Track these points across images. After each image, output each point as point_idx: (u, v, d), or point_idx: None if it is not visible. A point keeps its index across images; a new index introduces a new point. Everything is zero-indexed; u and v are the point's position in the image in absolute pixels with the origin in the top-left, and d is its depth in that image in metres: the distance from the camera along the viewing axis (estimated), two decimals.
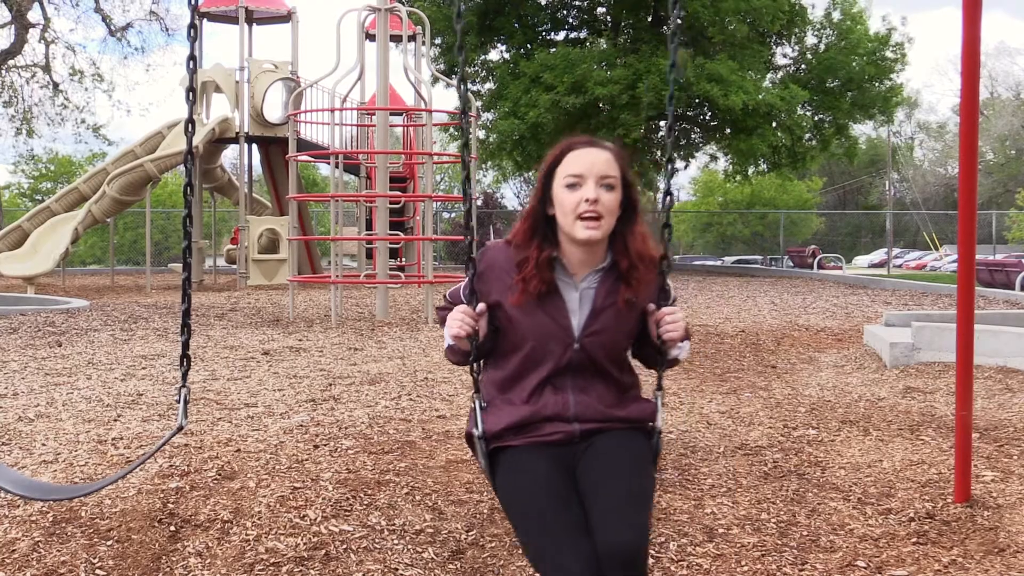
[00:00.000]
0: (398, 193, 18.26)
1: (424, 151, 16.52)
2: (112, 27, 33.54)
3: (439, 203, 31.07)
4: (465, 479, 4.84)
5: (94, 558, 3.85)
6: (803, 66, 29.46)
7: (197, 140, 19.43)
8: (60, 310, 14.11)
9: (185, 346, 3.45)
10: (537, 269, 2.85)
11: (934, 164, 73.96)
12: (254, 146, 23.27)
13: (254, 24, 23.58)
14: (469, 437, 3.00)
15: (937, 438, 5.76)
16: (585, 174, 2.82)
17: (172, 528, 4.13)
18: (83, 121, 34.42)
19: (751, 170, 31.55)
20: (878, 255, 52.07)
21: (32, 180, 58.31)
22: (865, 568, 3.85)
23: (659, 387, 3.06)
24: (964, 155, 4.46)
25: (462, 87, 3.13)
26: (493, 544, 4.05)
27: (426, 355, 9.37)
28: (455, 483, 4.78)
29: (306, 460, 5.14)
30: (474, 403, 2.94)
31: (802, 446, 5.60)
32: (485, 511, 4.40)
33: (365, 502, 4.48)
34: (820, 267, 31.57)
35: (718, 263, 45.21)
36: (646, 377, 3.12)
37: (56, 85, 33.74)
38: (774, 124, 27.31)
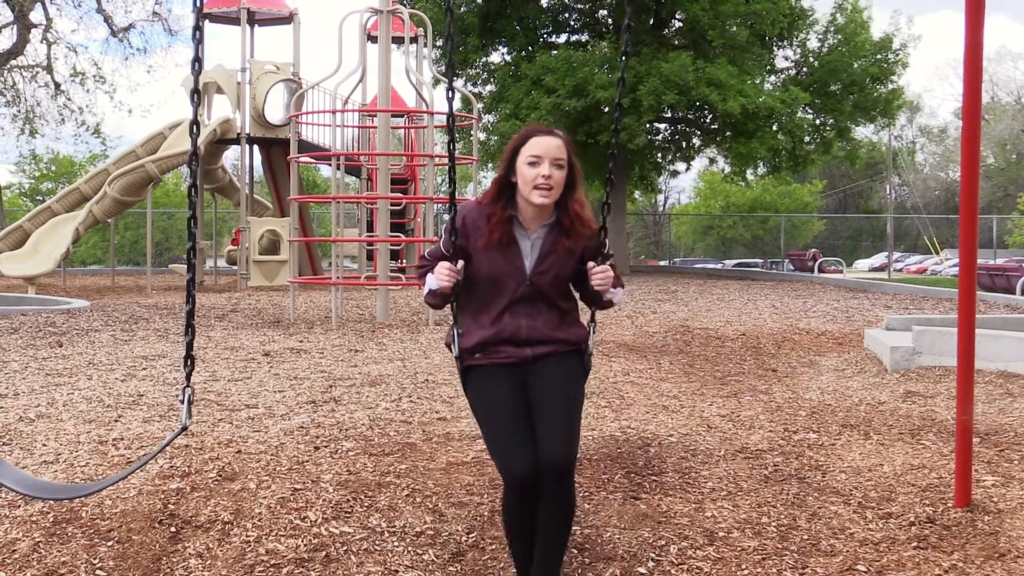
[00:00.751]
0: (399, 195, 18.26)
1: (425, 153, 16.52)
2: (114, 28, 33.55)
3: (440, 205, 31.07)
4: (466, 481, 4.84)
5: (94, 559, 3.85)
6: (805, 69, 29.45)
7: (199, 141, 19.44)
8: (61, 310, 14.12)
9: (189, 347, 3.46)
10: (500, 223, 3.70)
11: (935, 168, 73.98)
12: (255, 147, 23.27)
13: (256, 25, 23.59)
14: (449, 346, 3.87)
15: (938, 442, 5.76)
16: (543, 155, 3.66)
17: (173, 529, 4.14)
18: (84, 122, 34.43)
19: (750, 173, 31.54)
20: (879, 259, 52.06)
21: (33, 180, 58.32)
22: (866, 572, 3.85)
23: (592, 319, 3.94)
24: (966, 159, 4.46)
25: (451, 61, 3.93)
26: (494, 546, 4.05)
27: (427, 357, 9.37)
28: (455, 485, 4.78)
29: (307, 462, 5.14)
30: (453, 330, 3.80)
31: (803, 450, 5.60)
32: (485, 513, 4.40)
33: (366, 504, 4.48)
34: (821, 271, 31.57)
35: (719, 266, 45.20)
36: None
37: (58, 85, 33.76)
38: (775, 127, 27.30)
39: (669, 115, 28.59)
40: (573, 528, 4.15)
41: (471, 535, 4.17)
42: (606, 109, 26.05)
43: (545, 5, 29.74)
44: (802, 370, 8.93)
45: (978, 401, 6.71)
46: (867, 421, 6.41)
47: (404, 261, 21.16)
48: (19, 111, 34.07)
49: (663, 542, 4.14)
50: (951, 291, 18.29)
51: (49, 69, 33.51)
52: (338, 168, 14.55)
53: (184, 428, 3.43)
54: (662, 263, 42.20)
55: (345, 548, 3.99)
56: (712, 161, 34.95)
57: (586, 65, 25.80)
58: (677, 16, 28.25)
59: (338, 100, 16.71)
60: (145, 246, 23.54)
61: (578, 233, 3.76)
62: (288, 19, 23.07)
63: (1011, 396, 7.21)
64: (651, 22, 28.35)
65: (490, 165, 30.28)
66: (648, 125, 27.69)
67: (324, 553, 3.94)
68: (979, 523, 4.31)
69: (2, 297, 16.94)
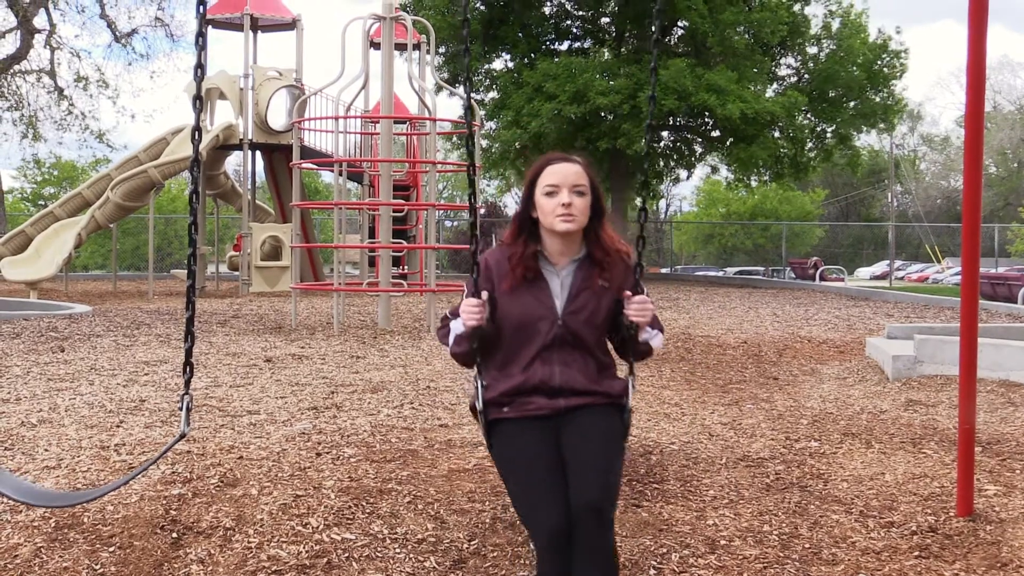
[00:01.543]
0: (401, 201, 18.27)
1: (428, 159, 16.53)
2: (117, 33, 33.62)
3: (442, 212, 31.10)
4: (467, 488, 4.84)
5: (96, 564, 3.85)
6: (805, 75, 29.50)
7: (201, 147, 19.45)
8: (63, 315, 14.13)
9: (188, 353, 3.46)
10: (523, 259, 3.46)
11: (936, 176, 73.99)
12: (258, 153, 23.30)
13: (259, 31, 23.62)
14: (473, 407, 3.57)
15: (939, 451, 5.75)
16: (560, 184, 3.43)
17: (174, 535, 4.14)
18: (87, 127, 34.48)
19: (754, 180, 31.57)
20: (880, 267, 52.03)
21: (36, 185, 58.39)
22: None
23: (631, 371, 3.58)
24: (968, 168, 4.47)
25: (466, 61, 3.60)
26: (495, 553, 4.05)
27: (428, 363, 9.37)
28: (457, 492, 4.78)
29: (308, 468, 5.14)
30: (476, 381, 3.49)
31: (804, 458, 5.60)
32: (487, 520, 4.40)
33: (367, 510, 4.48)
34: (822, 279, 31.56)
35: (720, 274, 45.19)
36: (623, 366, 3.56)
37: (61, 91, 33.81)
38: (776, 133, 27.32)
39: (670, 122, 28.63)
40: None
41: (473, 542, 4.17)
42: (610, 117, 26.07)
43: (547, 12, 29.78)
44: (803, 378, 8.92)
45: (980, 410, 6.71)
46: (869, 430, 6.40)
47: (406, 268, 21.15)
48: (22, 116, 34.12)
49: (664, 550, 4.13)
50: (953, 300, 18.29)
51: (52, 74, 33.57)
52: (340, 174, 14.55)
53: (183, 435, 3.43)
54: (663, 271, 42.19)
55: (347, 555, 3.99)
56: (715, 170, 35.01)
57: (586, 72, 25.84)
58: (679, 24, 28.29)
59: (341, 106, 16.73)
60: (147, 251, 23.56)
61: (612, 265, 3.50)
62: (291, 25, 23.10)
63: (1013, 405, 7.21)
64: (652, 29, 28.40)
65: (491, 172, 30.32)
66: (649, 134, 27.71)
67: (326, 560, 3.94)
68: (981, 532, 4.31)
69: (4, 302, 16.94)
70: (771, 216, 55.09)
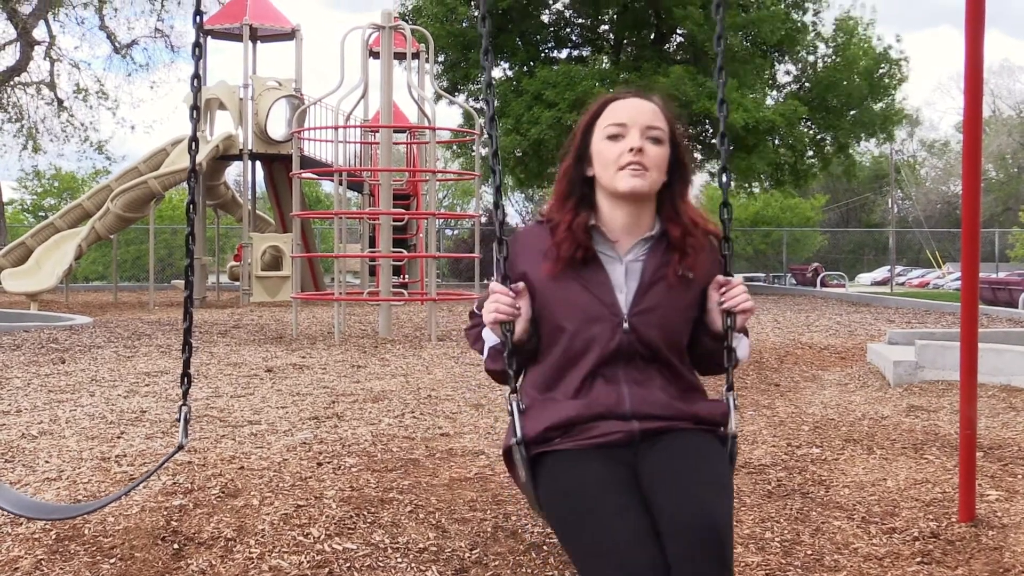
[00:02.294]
0: (402, 210, 18.28)
1: (428, 168, 16.54)
2: (117, 44, 33.70)
3: (442, 220, 31.11)
4: (469, 497, 4.83)
5: None
6: (806, 83, 29.53)
7: (200, 157, 19.49)
8: (63, 327, 14.13)
9: (186, 364, 3.46)
10: (571, 231, 2.54)
11: (936, 182, 74.01)
12: (258, 163, 23.32)
13: (258, 41, 23.66)
14: (507, 454, 2.59)
15: (941, 457, 5.75)
16: (629, 123, 2.56)
17: (175, 546, 4.13)
18: (87, 139, 34.53)
19: (755, 187, 31.58)
20: (881, 273, 52.03)
21: (36, 196, 58.42)
22: None
23: (729, 386, 2.66)
24: (967, 173, 4.47)
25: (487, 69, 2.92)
26: (497, 562, 4.04)
27: (429, 372, 9.37)
28: (459, 501, 4.77)
29: (309, 478, 5.13)
30: (510, 405, 2.55)
31: (806, 464, 5.59)
32: (489, 529, 4.39)
33: (368, 520, 4.47)
34: (823, 285, 31.55)
35: None
36: (716, 381, 2.89)
37: (61, 102, 33.86)
38: (776, 142, 27.34)
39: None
40: None
41: (474, 551, 4.16)
42: None
43: (546, 20, 29.82)
44: (805, 384, 8.92)
45: (981, 415, 6.70)
46: (870, 435, 6.40)
47: (406, 277, 21.16)
48: (21, 128, 34.18)
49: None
50: (953, 305, 18.28)
51: (52, 86, 33.63)
52: (340, 184, 14.56)
53: (181, 447, 3.43)
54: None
55: (348, 564, 3.99)
56: (713, 175, 35.00)
57: (585, 79, 25.87)
58: (678, 31, 28.34)
59: (340, 116, 16.75)
60: (147, 262, 23.58)
61: (696, 248, 2.59)
62: (290, 35, 23.14)
63: (1014, 410, 7.20)
64: (651, 37, 28.43)
65: (491, 181, 30.31)
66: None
67: (327, 570, 3.93)
68: (983, 538, 4.30)
69: (5, 313, 16.95)
70: (772, 222, 55.09)
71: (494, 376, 2.68)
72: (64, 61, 33.96)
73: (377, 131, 16.51)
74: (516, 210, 66.16)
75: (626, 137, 2.53)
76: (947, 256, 53.62)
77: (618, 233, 2.58)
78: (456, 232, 45.82)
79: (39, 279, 19.75)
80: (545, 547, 4.12)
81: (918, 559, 4.08)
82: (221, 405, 7.40)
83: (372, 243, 17.41)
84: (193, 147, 3.45)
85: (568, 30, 30.42)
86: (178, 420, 3.42)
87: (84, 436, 6.20)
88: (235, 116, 21.99)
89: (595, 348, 2.50)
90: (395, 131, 17.76)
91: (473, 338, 2.76)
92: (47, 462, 5.49)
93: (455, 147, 29.85)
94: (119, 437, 6.19)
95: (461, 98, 28.13)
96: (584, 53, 30.55)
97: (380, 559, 4.04)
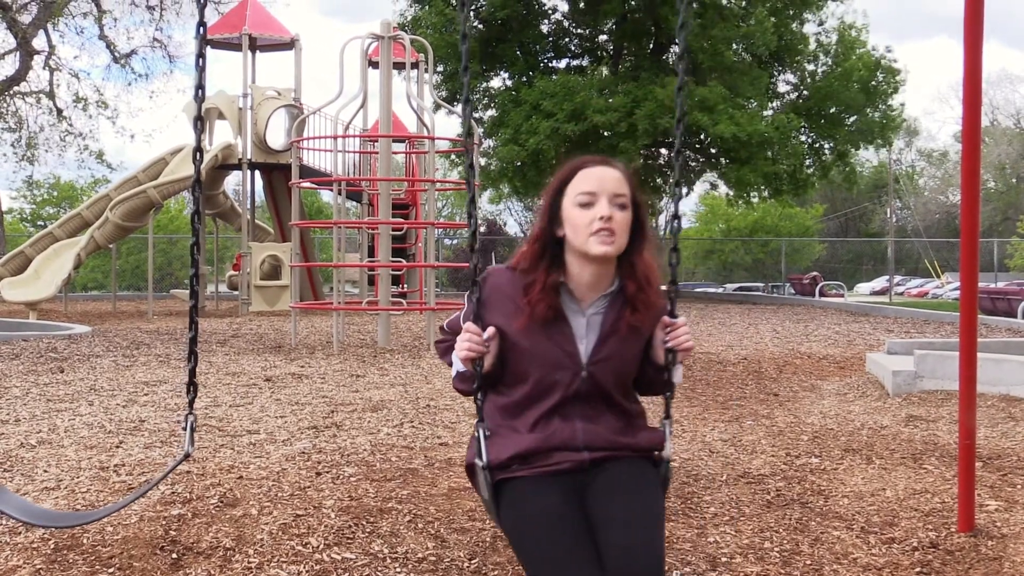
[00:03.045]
0: (401, 220, 18.29)
1: (427, 178, 16.56)
2: (116, 54, 33.74)
3: (441, 230, 31.13)
4: (468, 507, 4.83)
5: None
6: (805, 92, 29.58)
7: (200, 167, 19.48)
8: (62, 336, 14.12)
9: (192, 374, 3.45)
10: (544, 293, 2.79)
11: (935, 192, 74.10)
12: (257, 172, 23.33)
13: (257, 51, 23.69)
14: (470, 468, 2.92)
15: (940, 467, 5.75)
16: (598, 191, 2.78)
17: (174, 556, 4.12)
18: (86, 147, 34.55)
19: (754, 197, 31.63)
20: (880, 282, 52.06)
21: (34, 206, 58.46)
22: None
23: (667, 415, 3.04)
24: (966, 183, 4.47)
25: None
26: (496, 572, 4.04)
27: (428, 382, 9.36)
28: (457, 511, 4.77)
29: (308, 487, 5.13)
30: (477, 432, 2.87)
31: (805, 474, 5.59)
32: (488, 539, 4.39)
33: (367, 530, 4.47)
34: (822, 294, 31.56)
35: (720, 290, 45.19)
36: (650, 405, 3.18)
37: (60, 111, 33.89)
38: (769, 154, 27.36)
39: (667, 140, 28.72)
40: None
41: (473, 561, 4.15)
42: (605, 133, 26.12)
43: (546, 31, 29.88)
44: (804, 394, 8.92)
45: (981, 425, 6.70)
46: (869, 445, 6.40)
47: (405, 286, 21.17)
48: (20, 137, 34.20)
49: (665, 567, 4.12)
50: (952, 315, 18.28)
51: (51, 95, 33.66)
52: (339, 193, 14.58)
53: (187, 455, 3.42)
54: (663, 287, 42.14)
55: (347, 574, 3.98)
56: (714, 187, 35.06)
57: (584, 90, 25.91)
58: (676, 41, 28.39)
59: (339, 125, 16.76)
60: (146, 271, 23.59)
61: (647, 304, 2.88)
62: (289, 45, 23.18)
63: (1014, 420, 7.20)
64: (650, 47, 28.49)
65: (490, 191, 30.35)
66: (648, 149, 27.81)
67: None
68: (983, 548, 4.30)
69: (3, 323, 16.94)
70: (771, 232, 55.14)
71: (461, 393, 2.98)
72: (63, 70, 34.01)
73: (376, 141, 16.54)
74: (516, 220, 66.26)
75: (596, 205, 2.77)
76: (946, 266, 53.67)
77: (583, 290, 2.85)
78: (455, 242, 45.87)
79: (38, 288, 19.75)
80: None
81: (917, 569, 4.08)
82: (220, 414, 7.40)
83: (371, 253, 17.42)
84: (198, 158, 3.45)
85: (567, 40, 30.48)
86: (184, 429, 3.42)
87: (83, 445, 6.20)
88: (234, 125, 22.01)
89: (557, 390, 2.83)
90: (394, 141, 17.78)
91: (442, 351, 3.08)
92: (46, 471, 5.48)
93: (454, 157, 29.89)
94: (118, 446, 6.18)
95: (460, 108, 28.18)
96: (583, 63, 30.61)
97: (379, 569, 4.04)
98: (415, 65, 17.96)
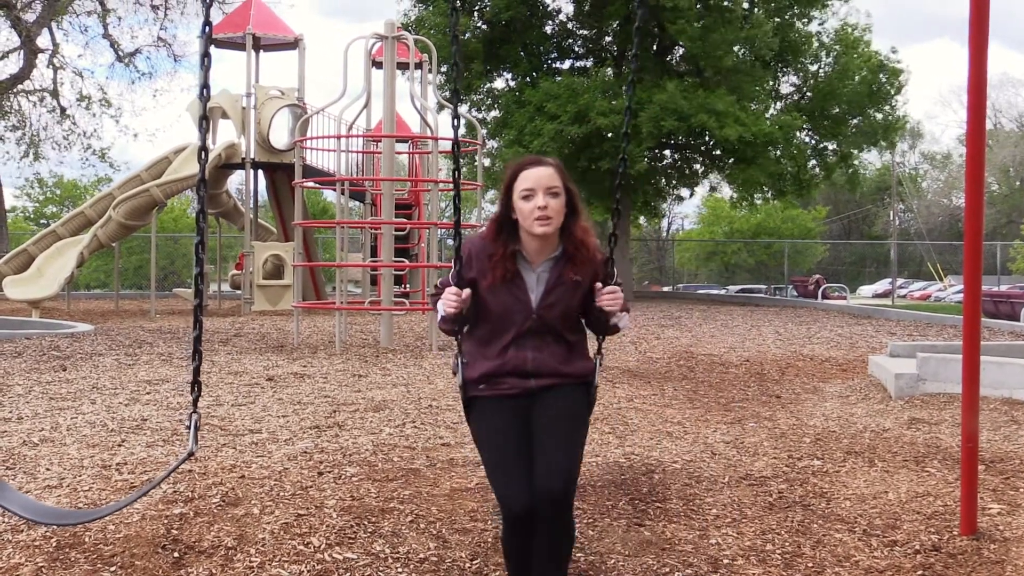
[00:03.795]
0: (403, 220, 18.29)
1: (430, 178, 16.56)
2: (120, 53, 33.74)
3: (444, 230, 31.12)
4: (469, 507, 4.83)
5: None
6: (808, 93, 29.54)
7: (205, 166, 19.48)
8: (65, 334, 14.12)
9: (196, 372, 3.45)
10: (502, 260, 3.68)
11: (938, 194, 74.05)
12: (260, 172, 23.34)
13: (261, 51, 23.69)
14: (454, 374, 3.86)
15: (943, 470, 5.74)
16: (535, 187, 3.63)
17: (176, 554, 4.13)
18: (90, 146, 34.55)
19: (757, 198, 31.58)
20: (882, 285, 51.98)
21: (38, 204, 58.49)
22: None
23: (599, 351, 3.84)
24: (970, 186, 4.47)
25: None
26: (497, 572, 4.04)
27: (430, 382, 9.36)
28: (459, 511, 4.77)
29: (310, 487, 5.13)
30: (457, 360, 3.78)
31: (807, 477, 5.59)
32: (489, 539, 4.39)
33: (369, 530, 4.47)
34: (824, 297, 31.54)
35: (722, 292, 45.18)
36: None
37: (63, 110, 33.90)
38: (777, 154, 27.34)
39: (672, 142, 28.69)
40: (577, 555, 4.14)
41: (475, 561, 4.15)
42: (608, 135, 26.11)
43: (549, 32, 29.86)
44: (806, 397, 8.91)
45: (983, 428, 6.70)
46: (871, 448, 6.39)
47: (408, 286, 21.17)
48: (23, 135, 34.22)
49: (667, 569, 4.12)
50: (955, 318, 18.27)
51: (55, 94, 33.67)
52: (342, 193, 14.58)
53: (191, 454, 3.42)
54: (666, 289, 42.19)
55: (348, 574, 3.98)
56: (713, 189, 35.04)
57: (588, 92, 25.89)
58: (680, 44, 28.38)
59: (343, 125, 16.76)
60: (149, 270, 23.60)
61: (584, 261, 3.72)
62: (293, 44, 23.17)
63: (1016, 423, 7.19)
64: (654, 49, 28.46)
65: (493, 191, 30.33)
66: (652, 152, 27.78)
67: None
68: (985, 551, 4.30)
69: (6, 321, 16.95)
70: (773, 234, 55.11)
71: (443, 331, 3.83)
72: (67, 69, 34.01)
73: (379, 141, 16.53)
74: None
75: (534, 197, 3.63)
76: (949, 269, 53.60)
77: (533, 255, 3.73)
78: (457, 242, 45.85)
79: (41, 287, 19.75)
80: None
81: (919, 572, 4.08)
82: (222, 414, 7.40)
83: (374, 252, 17.42)
84: (203, 157, 3.45)
85: (571, 41, 30.45)
86: (187, 428, 3.42)
87: (85, 444, 6.20)
88: (238, 125, 22.00)
89: (513, 327, 3.70)
90: (397, 141, 17.77)
91: (434, 302, 3.83)
92: (48, 470, 5.49)
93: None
94: (120, 445, 6.18)
95: (463, 108, 28.17)
96: (587, 64, 30.58)
97: (381, 569, 4.04)
98: (419, 65, 17.97)
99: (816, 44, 29.50)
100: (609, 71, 29.73)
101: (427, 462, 5.77)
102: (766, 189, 29.82)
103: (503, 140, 27.76)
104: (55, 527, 4.28)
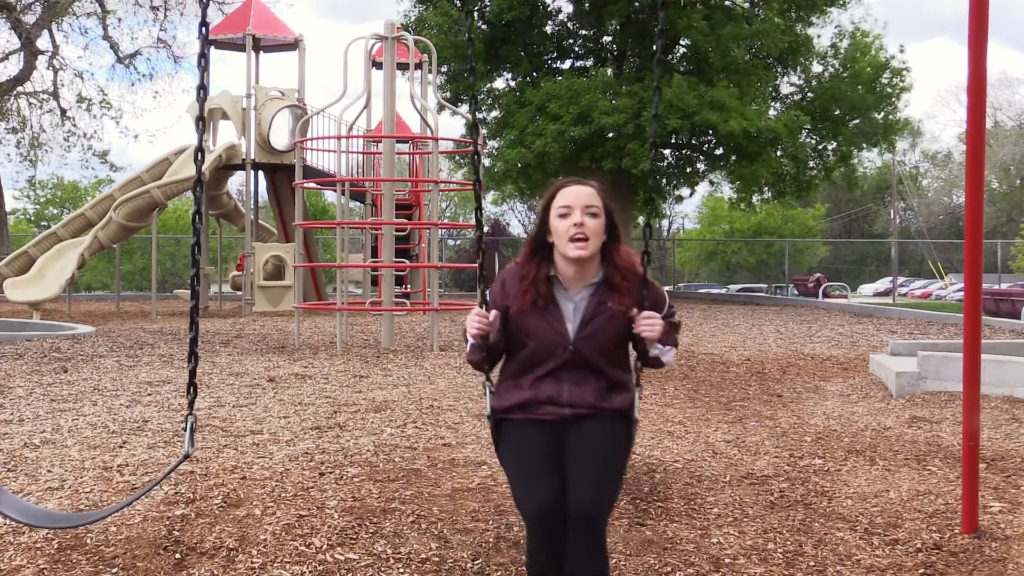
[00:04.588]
0: (404, 221, 18.29)
1: (430, 179, 16.57)
2: (120, 54, 33.77)
3: (444, 230, 31.14)
4: (471, 507, 4.83)
5: None
6: (809, 94, 29.55)
7: (204, 167, 19.50)
8: (66, 336, 14.13)
9: (192, 374, 3.46)
10: (534, 284, 3.51)
11: (939, 193, 74.04)
12: (260, 173, 23.34)
13: (261, 51, 23.70)
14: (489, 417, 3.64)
15: (944, 468, 5.74)
16: (573, 205, 3.48)
17: (177, 556, 4.13)
18: (90, 148, 34.58)
19: (756, 198, 31.59)
20: (883, 284, 51.97)
21: (38, 206, 58.50)
22: None
23: (637, 383, 3.64)
24: (970, 184, 4.47)
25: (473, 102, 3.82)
26: (499, 573, 4.04)
27: (431, 383, 9.36)
28: (461, 511, 4.77)
29: (312, 488, 5.13)
30: (485, 388, 3.62)
31: (808, 475, 5.59)
32: (491, 539, 4.39)
33: (371, 530, 4.47)
34: (825, 296, 31.54)
35: (723, 291, 45.17)
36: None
37: (64, 112, 33.92)
38: (779, 151, 27.35)
39: (673, 141, 28.68)
40: None
41: (476, 561, 4.16)
42: (610, 135, 26.11)
43: (550, 32, 29.86)
44: (807, 395, 8.91)
45: (984, 427, 6.70)
46: (873, 447, 6.39)
47: (409, 287, 21.17)
48: (24, 137, 34.24)
49: (669, 569, 4.12)
50: (956, 316, 18.27)
51: (55, 95, 33.69)
52: (343, 194, 14.58)
53: (187, 456, 3.43)
54: (666, 288, 42.20)
55: (350, 575, 3.98)
56: (713, 185, 35.02)
57: (589, 92, 25.89)
58: (681, 43, 28.38)
59: (343, 126, 16.77)
60: (150, 271, 23.60)
61: (629, 289, 3.53)
62: (293, 45, 23.18)
63: (1017, 421, 7.19)
64: (654, 48, 28.44)
65: (493, 192, 30.33)
66: (656, 150, 27.80)
67: None
68: (986, 549, 4.30)
69: (7, 323, 16.95)
70: (774, 233, 55.10)
71: (472, 365, 3.65)
72: (67, 71, 34.04)
73: (380, 141, 16.53)
74: (519, 220, 66.27)
75: (571, 215, 3.47)
76: (949, 267, 53.60)
77: (569, 282, 3.54)
78: (458, 242, 45.86)
79: (42, 288, 19.76)
80: None
81: (921, 570, 4.08)
82: (223, 415, 7.40)
83: (374, 253, 17.42)
84: (199, 157, 3.45)
85: (571, 41, 30.45)
86: (184, 429, 3.43)
87: (86, 445, 6.20)
88: (238, 126, 22.01)
89: (550, 359, 3.50)
90: (398, 141, 17.78)
91: (464, 337, 3.64)
92: (49, 471, 5.49)
93: (457, 157, 29.88)
94: (121, 447, 6.18)
95: (464, 109, 28.17)
96: (587, 64, 30.58)
97: (382, 569, 4.04)
98: (419, 66, 17.98)
99: (827, 46, 29.53)
100: (609, 71, 29.72)
101: (428, 462, 5.77)
102: (766, 188, 29.84)
103: (504, 140, 27.75)
104: (56, 529, 4.28)
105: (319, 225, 26.16)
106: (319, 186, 24.53)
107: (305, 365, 10.84)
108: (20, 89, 32.84)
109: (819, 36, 29.64)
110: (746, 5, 27.56)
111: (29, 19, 31.08)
